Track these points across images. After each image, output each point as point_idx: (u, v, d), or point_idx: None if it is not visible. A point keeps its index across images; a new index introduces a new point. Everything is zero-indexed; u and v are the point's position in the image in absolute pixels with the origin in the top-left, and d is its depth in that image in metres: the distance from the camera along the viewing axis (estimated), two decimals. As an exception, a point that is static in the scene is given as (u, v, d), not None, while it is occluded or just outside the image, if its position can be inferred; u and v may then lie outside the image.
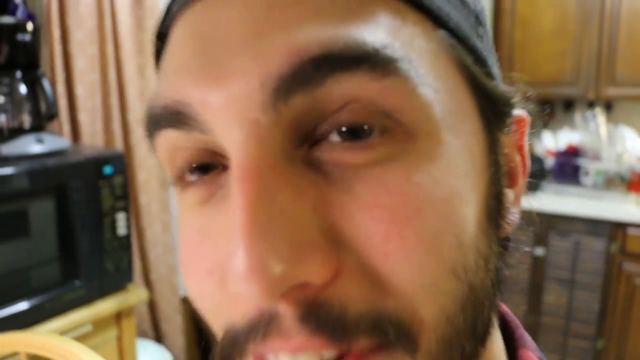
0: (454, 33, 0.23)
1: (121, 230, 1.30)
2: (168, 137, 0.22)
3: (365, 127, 0.20)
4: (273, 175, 0.20)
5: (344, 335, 0.20)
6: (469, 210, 0.22)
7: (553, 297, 2.42)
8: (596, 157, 2.53)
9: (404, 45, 0.21)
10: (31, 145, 1.15)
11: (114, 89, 1.80)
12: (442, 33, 0.22)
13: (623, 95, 2.57)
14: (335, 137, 0.21)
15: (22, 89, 1.19)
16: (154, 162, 1.99)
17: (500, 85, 0.27)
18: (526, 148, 0.29)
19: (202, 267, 0.22)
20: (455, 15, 0.23)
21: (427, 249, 0.20)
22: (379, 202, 0.20)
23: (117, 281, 1.32)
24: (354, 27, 0.20)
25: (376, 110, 0.20)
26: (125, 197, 1.30)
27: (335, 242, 0.20)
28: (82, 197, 1.21)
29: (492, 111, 0.25)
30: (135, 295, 1.36)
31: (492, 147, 0.25)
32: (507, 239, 0.28)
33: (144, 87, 1.93)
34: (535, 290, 2.46)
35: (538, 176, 2.54)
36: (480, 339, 0.23)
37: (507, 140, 0.27)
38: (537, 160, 2.58)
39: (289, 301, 0.19)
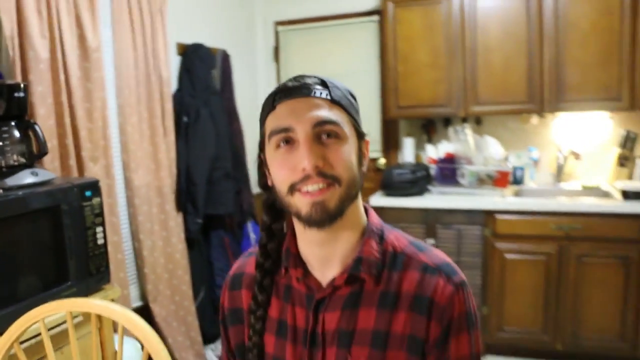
0: (351, 115, 0.88)
1: (100, 240, 1.63)
2: (278, 135, 0.83)
3: (332, 135, 0.83)
4: (312, 144, 0.81)
5: (325, 179, 0.82)
6: (353, 158, 0.86)
7: (446, 277, 2.94)
8: (469, 162, 3.13)
9: (341, 118, 0.86)
10: (28, 178, 1.47)
11: (69, 131, 2.11)
12: (348, 115, 0.87)
13: (485, 112, 3.19)
14: (324, 136, 0.83)
15: (16, 134, 1.51)
16: (104, 191, 2.30)
17: (360, 127, 0.89)
18: (368, 150, 0.92)
19: (286, 167, 0.83)
20: (351, 109, 0.88)
21: (344, 163, 0.84)
22: (335, 151, 0.83)
23: (98, 282, 1.64)
24: (329, 114, 0.84)
25: (335, 132, 0.84)
26: (101, 215, 1.64)
27: (325, 159, 0.82)
28: (70, 215, 1.54)
29: (358, 136, 0.89)
30: (112, 292, 1.69)
31: (359, 145, 0.89)
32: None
33: (93, 129, 2.24)
34: (431, 274, 2.98)
35: (425, 180, 3.10)
36: (355, 194, 0.87)
37: (362, 144, 0.90)
38: (423, 167, 3.13)
39: (313, 170, 0.80)
